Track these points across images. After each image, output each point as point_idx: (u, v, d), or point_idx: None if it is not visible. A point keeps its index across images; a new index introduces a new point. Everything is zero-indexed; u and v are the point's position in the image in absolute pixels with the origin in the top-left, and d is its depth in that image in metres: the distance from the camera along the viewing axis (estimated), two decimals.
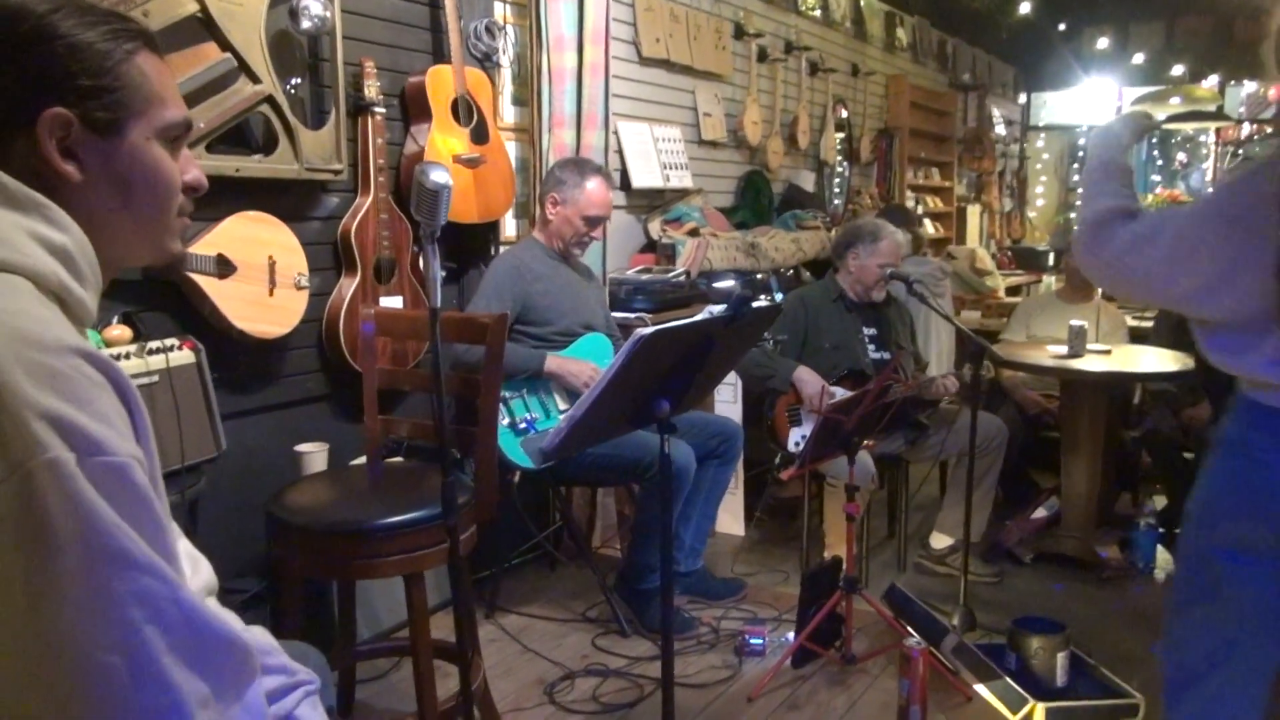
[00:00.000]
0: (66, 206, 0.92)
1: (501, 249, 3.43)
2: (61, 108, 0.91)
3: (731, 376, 3.67)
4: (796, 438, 3.33)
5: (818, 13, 5.83)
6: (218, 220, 2.48)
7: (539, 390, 3.03)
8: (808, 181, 5.70)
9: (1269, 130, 8.48)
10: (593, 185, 3.11)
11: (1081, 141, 11.19)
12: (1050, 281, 7.74)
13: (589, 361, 3.05)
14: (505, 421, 2.91)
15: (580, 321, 3.15)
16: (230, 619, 1.16)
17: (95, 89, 0.93)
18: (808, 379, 3.32)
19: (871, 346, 3.55)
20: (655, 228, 4.26)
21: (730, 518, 3.90)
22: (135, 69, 0.96)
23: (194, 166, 1.05)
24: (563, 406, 3.04)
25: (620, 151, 4.07)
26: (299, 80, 2.75)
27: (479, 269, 3.40)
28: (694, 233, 4.22)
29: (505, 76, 3.52)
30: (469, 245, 3.41)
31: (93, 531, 0.77)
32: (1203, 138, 10.12)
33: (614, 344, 3.24)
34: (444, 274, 3.28)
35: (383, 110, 2.87)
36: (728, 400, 3.84)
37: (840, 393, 3.18)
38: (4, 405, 0.77)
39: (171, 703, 0.81)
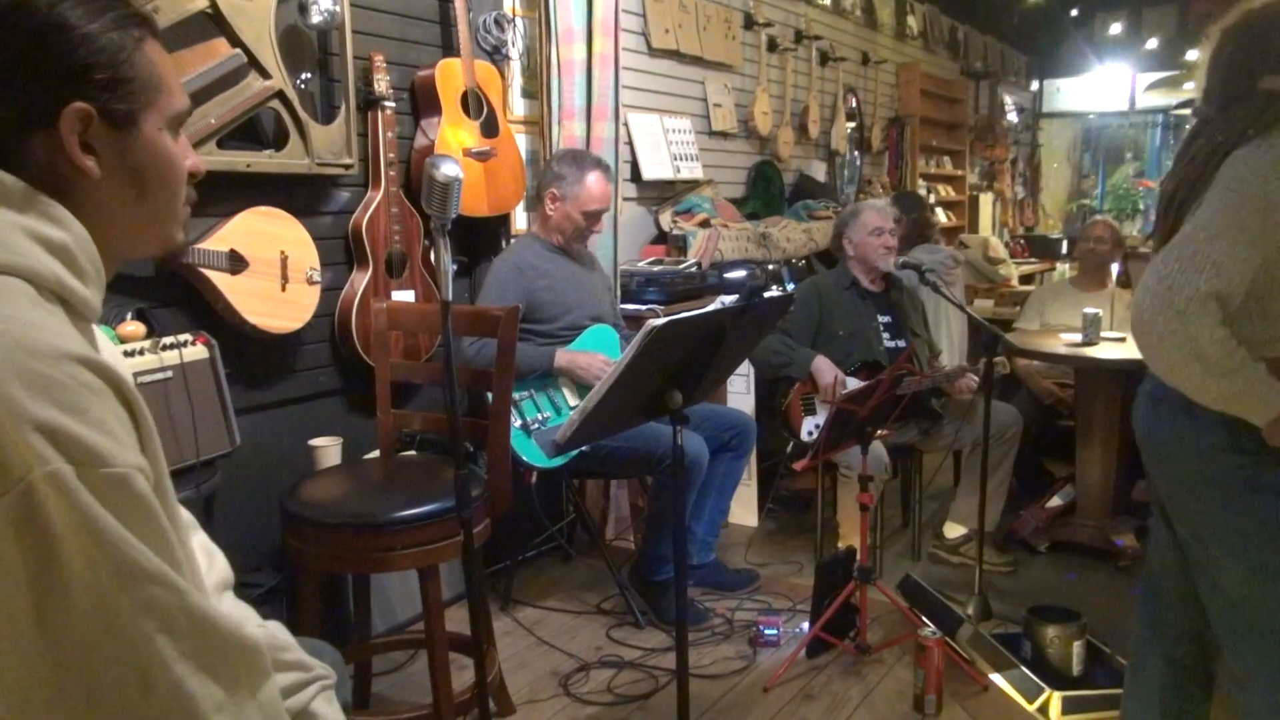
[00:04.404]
0: (83, 203, 0.90)
1: (512, 242, 3.43)
2: (82, 102, 0.89)
3: (744, 367, 3.66)
4: (810, 426, 3.33)
5: (827, 1, 5.80)
6: (230, 216, 2.49)
7: (548, 388, 3.01)
8: (819, 171, 5.68)
9: None
10: (592, 179, 3.06)
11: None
12: (1064, 269, 7.69)
13: (599, 353, 3.03)
14: (517, 424, 2.88)
15: (586, 314, 3.13)
16: (246, 615, 1.17)
17: (112, 81, 0.90)
18: (825, 368, 3.31)
19: (886, 335, 3.54)
20: (666, 219, 4.26)
21: (743, 509, 3.90)
22: (145, 58, 0.93)
23: (191, 152, 1.03)
24: (573, 402, 3.02)
25: (630, 143, 4.06)
26: (309, 75, 2.75)
27: (490, 262, 3.40)
28: (705, 224, 4.21)
29: (515, 69, 3.52)
30: (480, 238, 3.41)
31: (98, 544, 0.76)
32: None
33: (620, 334, 3.23)
34: (455, 267, 3.29)
35: (393, 104, 2.87)
36: (740, 391, 3.83)
37: (854, 383, 3.17)
38: None
39: (186, 710, 0.80)
